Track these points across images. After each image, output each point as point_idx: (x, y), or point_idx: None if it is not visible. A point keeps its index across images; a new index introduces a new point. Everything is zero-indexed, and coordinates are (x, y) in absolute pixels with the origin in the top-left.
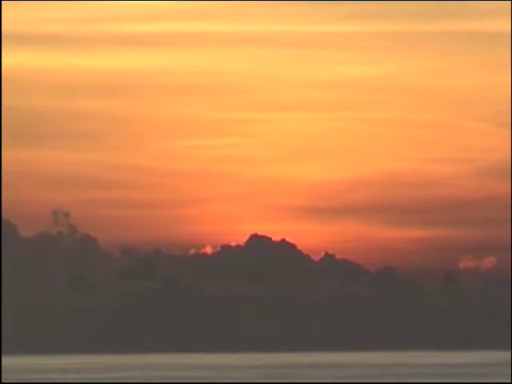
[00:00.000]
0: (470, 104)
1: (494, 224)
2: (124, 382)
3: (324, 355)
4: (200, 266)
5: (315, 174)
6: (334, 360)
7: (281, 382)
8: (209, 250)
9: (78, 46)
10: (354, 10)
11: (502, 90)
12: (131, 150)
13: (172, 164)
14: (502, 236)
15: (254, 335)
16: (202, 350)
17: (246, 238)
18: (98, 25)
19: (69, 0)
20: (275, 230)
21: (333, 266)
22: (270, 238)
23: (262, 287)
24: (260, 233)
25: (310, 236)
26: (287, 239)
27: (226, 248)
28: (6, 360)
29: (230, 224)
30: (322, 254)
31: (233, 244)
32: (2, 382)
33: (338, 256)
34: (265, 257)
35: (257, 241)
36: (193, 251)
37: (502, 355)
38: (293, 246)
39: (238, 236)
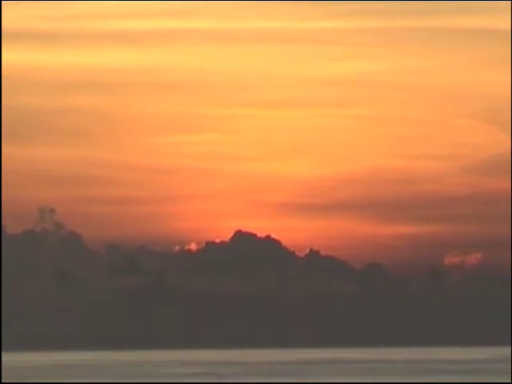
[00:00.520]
0: (458, 101)
1: (480, 220)
2: (117, 382)
3: (310, 352)
4: (185, 262)
5: (301, 171)
6: (320, 356)
7: (271, 381)
8: (193, 246)
9: (66, 43)
10: (345, 6)
11: (491, 88)
12: (117, 146)
13: (157, 160)
14: (488, 232)
15: (239, 332)
16: (188, 346)
17: (231, 234)
18: (85, 22)
19: None
20: (260, 227)
21: (318, 263)
22: (255, 235)
23: (247, 284)
24: (245, 229)
25: (296, 232)
26: (272, 235)
27: (210, 244)
28: None
29: (214, 220)
30: (308, 250)
31: (217, 240)
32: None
33: (323, 252)
34: (249, 253)
35: (242, 237)
36: (178, 248)
37: (488, 351)
38: (278, 242)
39: (223, 232)
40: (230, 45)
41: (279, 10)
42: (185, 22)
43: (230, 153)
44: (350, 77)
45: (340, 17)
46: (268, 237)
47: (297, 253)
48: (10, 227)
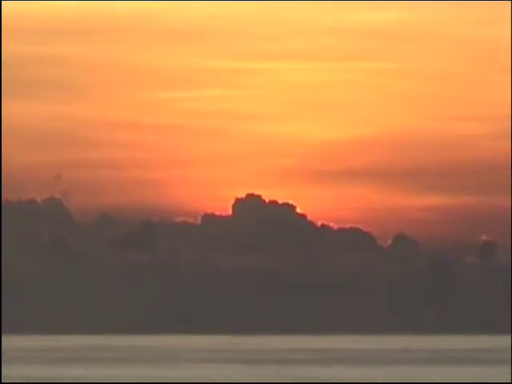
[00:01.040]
0: (498, 55)
1: None
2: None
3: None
4: (184, 234)
5: (317, 133)
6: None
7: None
8: (193, 217)
9: None
10: None
11: None
12: (108, 102)
13: (154, 119)
14: None
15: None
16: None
17: (236, 203)
18: None
19: None
20: (270, 195)
21: (333, 235)
22: (264, 203)
23: (255, 257)
24: (252, 198)
25: (311, 202)
26: (282, 204)
27: (211, 216)
28: None
29: (217, 189)
30: (324, 221)
31: (220, 211)
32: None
33: (340, 225)
34: (256, 225)
35: (248, 207)
36: (175, 218)
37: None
38: (292, 211)
39: (226, 202)
40: None
41: None
42: None
43: (235, 111)
44: (374, 27)
45: None
46: (278, 204)
47: (313, 224)
48: None
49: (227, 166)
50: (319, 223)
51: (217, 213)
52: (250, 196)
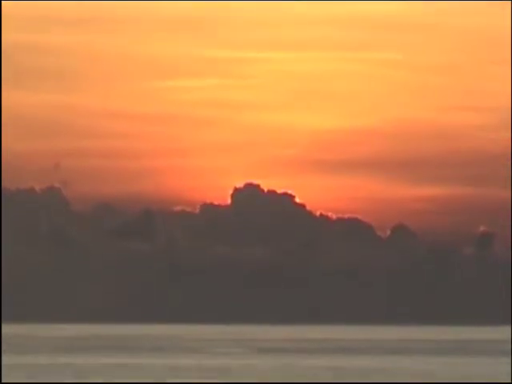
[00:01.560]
0: (497, 45)
1: None
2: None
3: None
4: (183, 223)
5: (316, 123)
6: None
7: None
8: (191, 207)
9: None
10: None
11: None
12: (107, 91)
13: (151, 108)
14: None
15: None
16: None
17: (234, 193)
18: None
19: None
20: (268, 185)
21: (332, 225)
22: (262, 193)
23: (254, 247)
24: (251, 188)
25: (310, 192)
26: (281, 194)
27: (209, 205)
28: None
29: (215, 178)
30: (323, 211)
31: (219, 200)
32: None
33: (339, 215)
34: (255, 214)
35: (247, 196)
36: (172, 208)
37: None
38: (291, 200)
39: (225, 191)
40: None
41: None
42: None
43: (235, 101)
44: (375, 18)
45: None
46: (278, 194)
47: (312, 213)
48: None
49: (226, 156)
50: (318, 213)
51: (215, 202)
52: (249, 185)
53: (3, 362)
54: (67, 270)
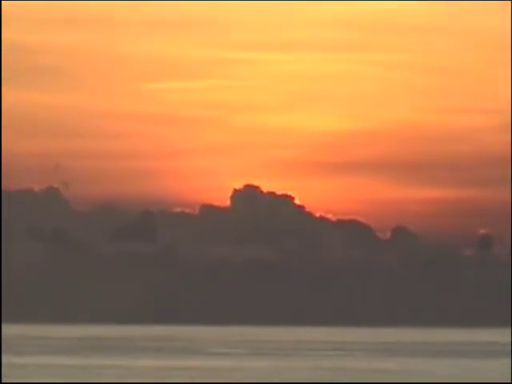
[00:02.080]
0: (498, 47)
1: None
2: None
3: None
4: (183, 224)
5: (316, 124)
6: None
7: None
8: (191, 208)
9: None
10: None
11: None
12: (105, 92)
13: (151, 109)
14: None
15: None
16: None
17: (234, 194)
18: None
19: None
20: (268, 186)
21: (332, 227)
22: (262, 194)
23: (253, 248)
24: (250, 189)
25: (310, 194)
26: (280, 195)
27: (209, 206)
28: None
29: (215, 179)
30: (322, 213)
31: (218, 202)
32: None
33: (339, 216)
34: (254, 215)
35: (246, 198)
36: (172, 209)
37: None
38: (290, 202)
39: (225, 193)
40: None
41: None
42: None
43: (235, 102)
44: (375, 18)
45: None
46: (276, 196)
47: (312, 215)
48: None
49: (226, 157)
50: (317, 214)
51: (215, 203)
52: (248, 187)
53: (3, 362)
54: (67, 270)
